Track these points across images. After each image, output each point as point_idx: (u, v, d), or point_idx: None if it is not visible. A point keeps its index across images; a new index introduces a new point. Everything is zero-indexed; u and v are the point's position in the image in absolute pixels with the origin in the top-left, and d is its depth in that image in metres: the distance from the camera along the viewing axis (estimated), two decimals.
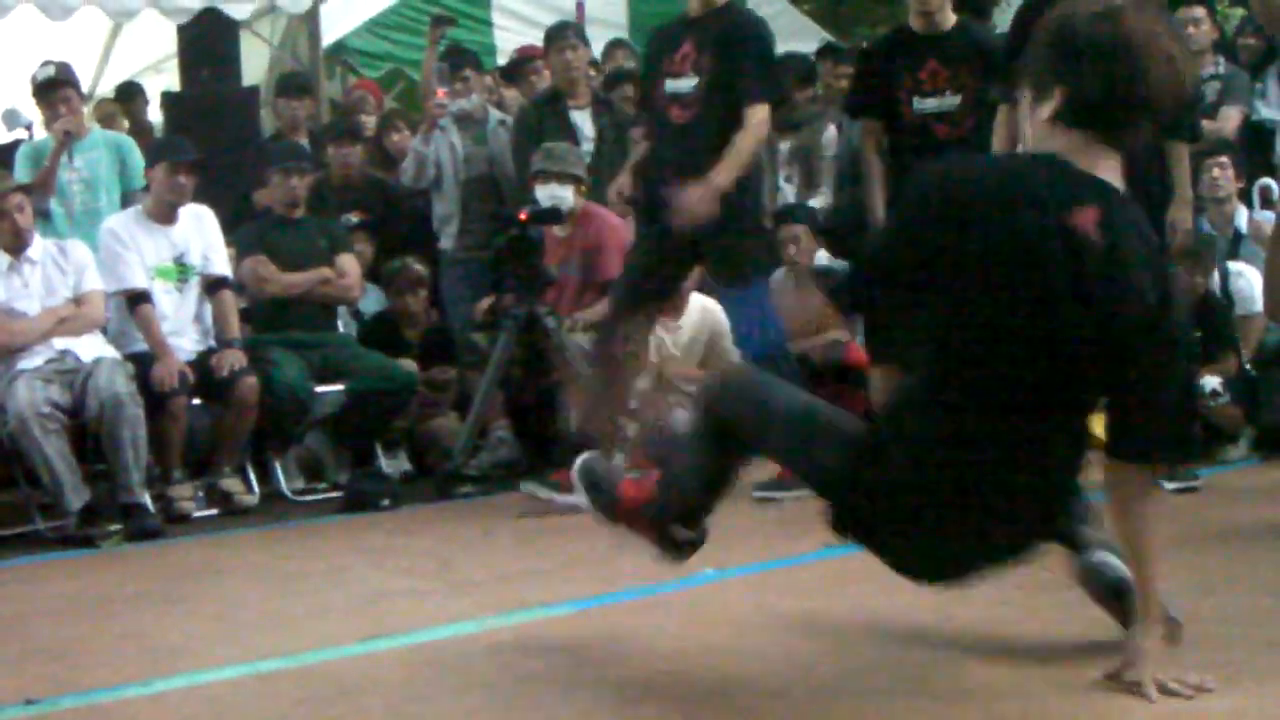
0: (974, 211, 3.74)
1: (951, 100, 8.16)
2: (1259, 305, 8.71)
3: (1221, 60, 10.74)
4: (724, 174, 7.63)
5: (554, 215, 8.83)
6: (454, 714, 4.14)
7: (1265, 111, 11.04)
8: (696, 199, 7.48)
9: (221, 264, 8.90)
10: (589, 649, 4.78)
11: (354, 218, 10.11)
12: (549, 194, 8.87)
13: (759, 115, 7.81)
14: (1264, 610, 4.88)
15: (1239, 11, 15.28)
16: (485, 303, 9.43)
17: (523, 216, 8.67)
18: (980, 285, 3.73)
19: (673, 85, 7.96)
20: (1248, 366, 8.75)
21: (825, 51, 12.86)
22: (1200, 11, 10.77)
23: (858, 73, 9.08)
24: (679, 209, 7.47)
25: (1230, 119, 10.31)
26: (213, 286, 8.82)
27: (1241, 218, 9.31)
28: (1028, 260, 3.68)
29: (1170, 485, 7.34)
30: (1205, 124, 10.12)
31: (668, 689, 4.30)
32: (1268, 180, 8.66)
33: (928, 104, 8.15)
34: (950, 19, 8.28)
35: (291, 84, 11.92)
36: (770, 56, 8.17)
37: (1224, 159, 9.61)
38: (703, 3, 7.98)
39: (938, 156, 7.74)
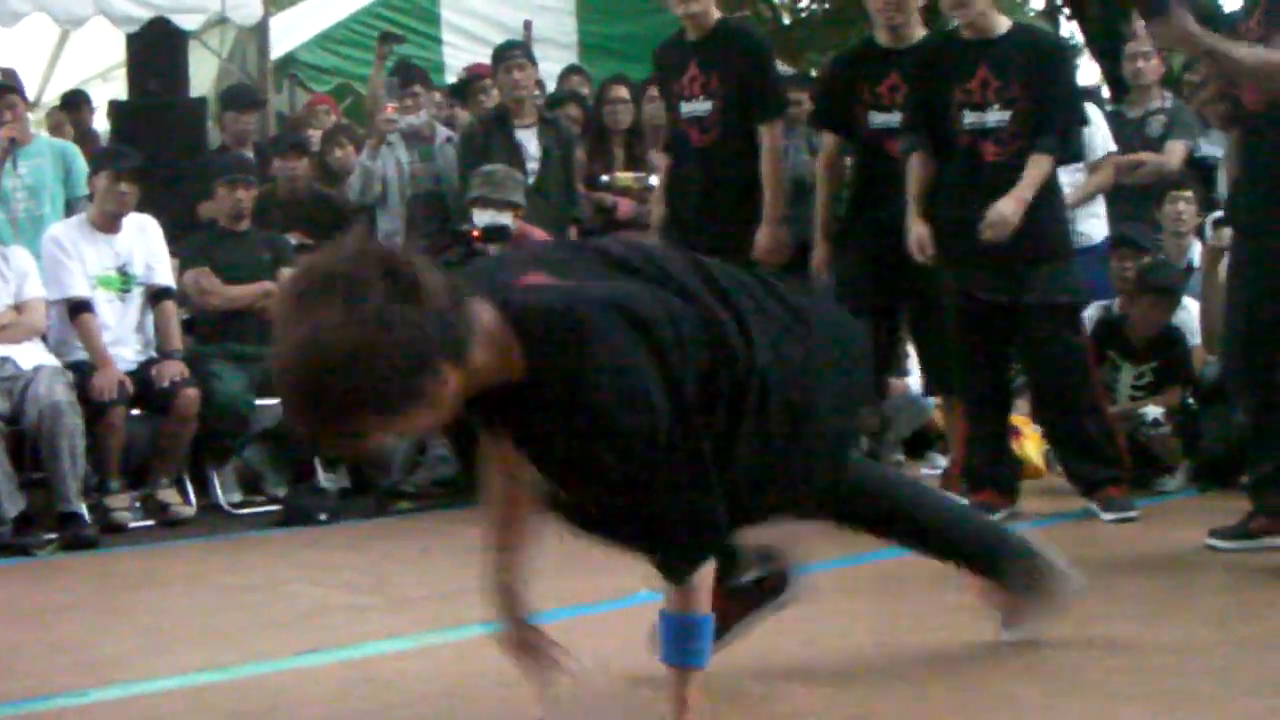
0: None
1: (697, 105, 8.05)
2: (1198, 338, 8.80)
3: (1169, 95, 10.80)
4: (773, 203, 8.16)
5: (504, 233, 8.84)
6: None
7: (1208, 147, 11.11)
8: (1010, 212, 7.26)
9: (164, 275, 8.86)
10: None
11: (296, 239, 10.05)
12: (488, 219, 8.86)
13: (774, 132, 8.14)
14: (1203, 640, 4.90)
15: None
16: None
17: (475, 233, 8.69)
18: None
19: (688, 108, 8.16)
20: (1189, 399, 8.84)
21: None
22: (1149, 46, 10.84)
23: (822, 85, 8.90)
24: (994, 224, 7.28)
25: (1175, 153, 10.36)
26: (155, 297, 8.78)
27: (1195, 251, 9.37)
28: None
29: (1108, 516, 7.39)
30: (1150, 157, 10.19)
31: (604, 708, 4.29)
32: (1219, 213, 8.71)
33: (887, 119, 7.90)
34: (918, 33, 8.03)
35: (240, 97, 11.89)
36: (772, 68, 8.48)
37: (1188, 194, 9.71)
38: (696, 27, 8.12)
39: (892, 172, 7.80)
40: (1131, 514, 7.38)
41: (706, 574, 3.57)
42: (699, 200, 8.25)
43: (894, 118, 7.83)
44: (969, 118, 7.35)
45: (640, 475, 3.36)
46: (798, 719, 4.12)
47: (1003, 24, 7.55)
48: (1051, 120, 7.34)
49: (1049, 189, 7.41)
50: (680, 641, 3.61)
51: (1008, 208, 7.16)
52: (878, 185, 7.95)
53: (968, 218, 7.27)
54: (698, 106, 8.23)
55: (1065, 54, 7.62)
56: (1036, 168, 7.29)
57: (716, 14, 8.35)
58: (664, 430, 3.30)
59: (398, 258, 3.09)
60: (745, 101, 8.14)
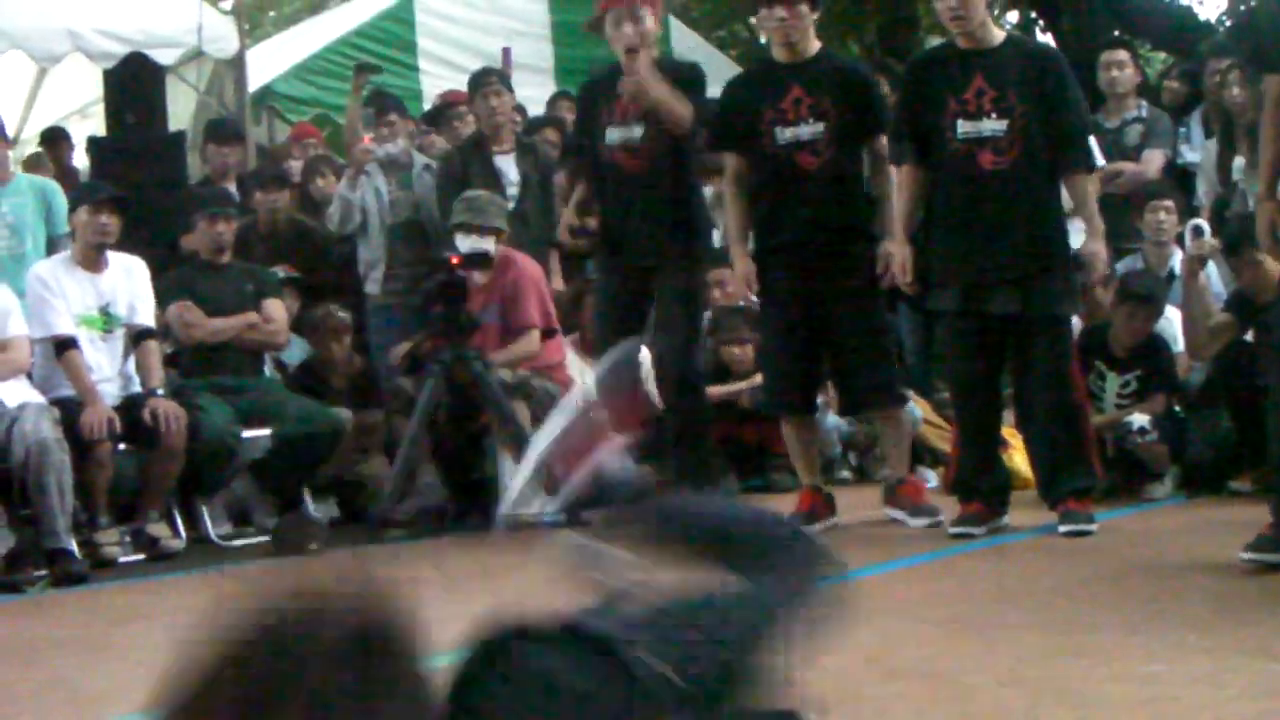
0: None
1: (815, 127, 7.91)
2: (1180, 345, 8.83)
3: (1144, 103, 10.84)
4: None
5: (484, 259, 8.86)
6: None
7: (1189, 155, 11.15)
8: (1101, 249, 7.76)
9: (147, 316, 8.83)
10: None
11: (282, 271, 10.06)
12: (470, 245, 8.89)
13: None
14: (1189, 646, 4.91)
15: (1160, 55, 15.48)
16: (403, 347, 9.43)
17: (455, 260, 8.71)
18: None
19: (614, 133, 8.43)
20: (1175, 406, 8.87)
21: None
22: (1124, 55, 10.89)
23: (720, 106, 8.62)
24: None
25: (1153, 161, 10.40)
26: (138, 337, 8.77)
27: (1176, 259, 9.40)
28: None
29: (1064, 528, 7.37)
30: (1128, 166, 10.24)
31: None
32: (1198, 220, 8.74)
33: (790, 133, 7.89)
34: (814, 46, 8.05)
35: (222, 131, 11.91)
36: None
37: (1169, 203, 9.75)
38: (628, 60, 8.28)
39: (800, 186, 7.79)
40: (1089, 528, 7.38)
41: None
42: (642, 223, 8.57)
43: (801, 130, 7.86)
44: (963, 127, 7.38)
45: None
46: None
47: (997, 35, 7.62)
48: (1068, 133, 7.44)
49: (1056, 199, 7.50)
50: None
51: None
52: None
53: (974, 233, 7.34)
54: (624, 131, 8.47)
55: (1065, 64, 7.63)
56: (1082, 186, 7.57)
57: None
58: None
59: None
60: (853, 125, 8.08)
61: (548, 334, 9.22)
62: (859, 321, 7.89)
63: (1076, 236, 8.37)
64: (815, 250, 7.82)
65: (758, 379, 9.40)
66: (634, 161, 8.44)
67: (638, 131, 8.40)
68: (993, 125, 7.35)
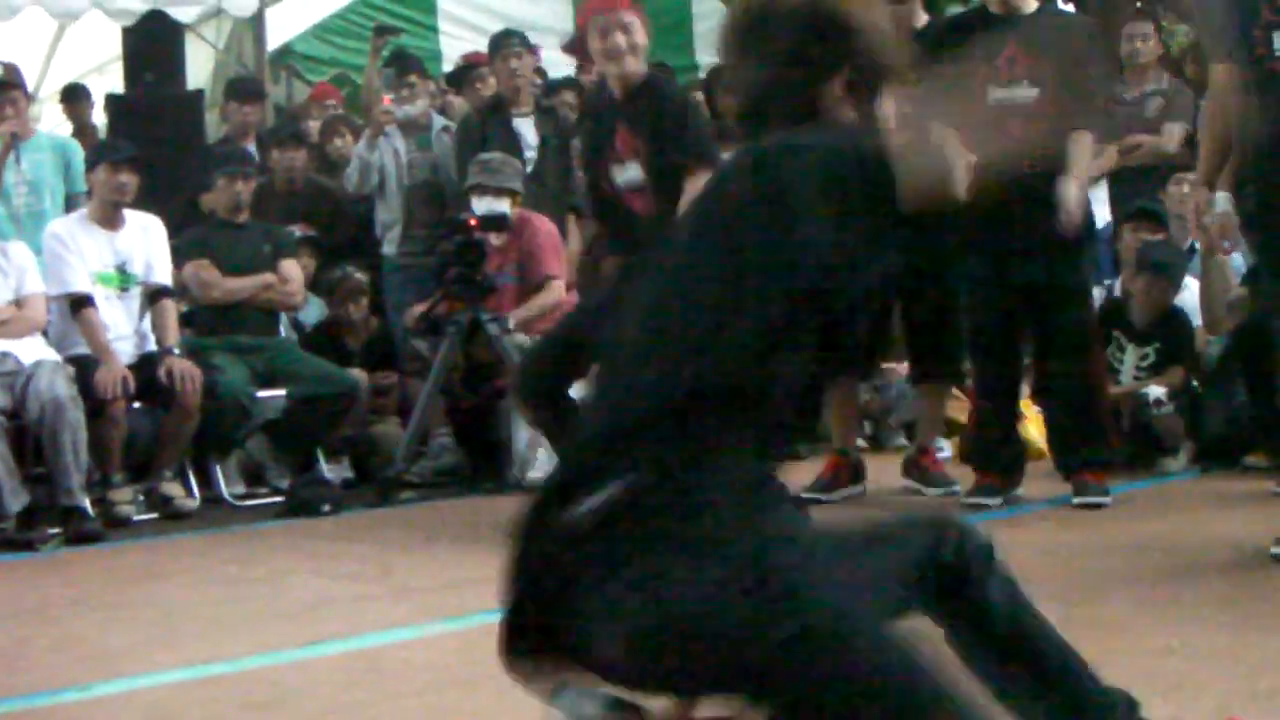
0: None
1: (635, 170, 7.76)
2: (1199, 319, 8.81)
3: (1165, 75, 10.80)
4: None
5: (502, 221, 8.85)
6: (393, 719, 4.14)
7: None
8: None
9: (164, 274, 8.83)
10: None
11: (299, 230, 10.05)
12: (486, 207, 8.86)
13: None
14: (1205, 620, 4.91)
15: (1183, 28, 15.38)
16: (418, 308, 9.42)
17: (473, 222, 8.70)
18: None
19: (617, 173, 7.90)
20: (1193, 381, 8.85)
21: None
22: (1147, 27, 10.85)
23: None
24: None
25: (1173, 135, 10.36)
26: (154, 296, 8.76)
27: None
28: None
29: (1078, 500, 7.37)
30: (1147, 139, 10.19)
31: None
32: (1219, 194, 8.72)
33: (624, 174, 7.79)
34: (641, 69, 7.80)
35: (242, 89, 11.89)
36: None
37: (1192, 176, 9.68)
38: (620, 82, 7.81)
39: (632, 231, 7.65)
40: (1104, 500, 7.36)
41: None
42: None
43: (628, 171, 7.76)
44: (995, 93, 7.26)
45: None
46: None
47: (1031, 2, 7.53)
48: (1082, 94, 7.37)
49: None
50: None
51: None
52: None
53: (1001, 200, 7.29)
54: (629, 172, 7.85)
55: (1097, 36, 7.57)
56: (1080, 144, 7.33)
57: (642, 70, 7.92)
58: None
59: None
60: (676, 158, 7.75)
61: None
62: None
63: (1100, 207, 8.34)
64: None
65: None
66: (642, 203, 7.88)
67: (636, 172, 7.85)
68: (1025, 93, 7.26)
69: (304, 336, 9.86)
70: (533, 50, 10.53)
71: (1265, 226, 7.01)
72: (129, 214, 8.72)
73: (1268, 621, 4.89)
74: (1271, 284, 6.82)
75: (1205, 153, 6.65)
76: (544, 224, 9.27)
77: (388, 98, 10.55)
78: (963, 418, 8.68)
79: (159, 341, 8.69)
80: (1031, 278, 7.32)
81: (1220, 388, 8.72)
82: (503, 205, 8.89)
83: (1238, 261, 9.03)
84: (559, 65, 12.65)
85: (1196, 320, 8.93)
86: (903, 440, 9.77)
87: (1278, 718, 3.86)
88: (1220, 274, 8.86)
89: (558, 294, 9.06)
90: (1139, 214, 9.18)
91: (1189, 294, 8.99)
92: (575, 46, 8.47)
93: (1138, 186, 9.87)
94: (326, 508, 8.36)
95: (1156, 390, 8.61)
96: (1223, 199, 6.50)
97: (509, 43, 10.28)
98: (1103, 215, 9.60)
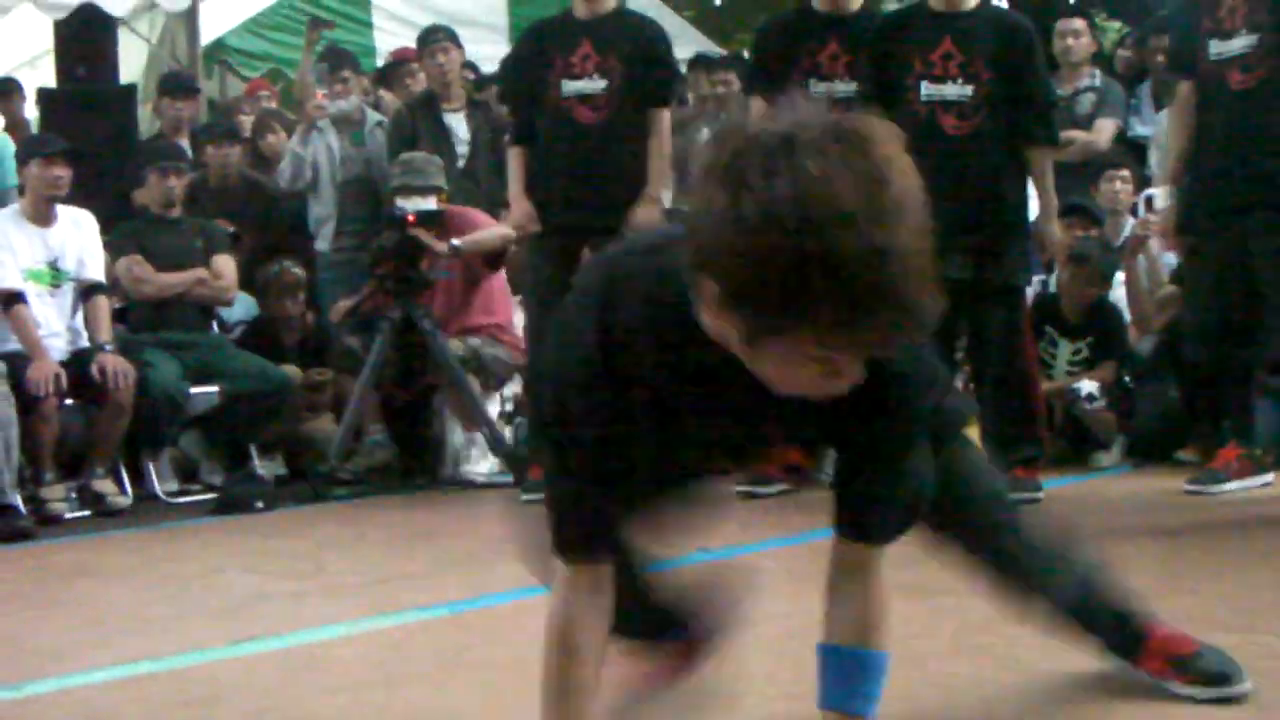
0: None
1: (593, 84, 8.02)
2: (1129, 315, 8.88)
3: (1097, 72, 10.86)
4: (655, 181, 8.09)
5: (436, 217, 8.84)
6: (327, 715, 4.13)
7: (1140, 127, 11.19)
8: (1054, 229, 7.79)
9: (96, 270, 8.80)
10: (463, 651, 4.77)
11: (227, 227, 9.99)
12: (413, 207, 8.83)
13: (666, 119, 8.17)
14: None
15: (1115, 25, 15.48)
16: (345, 303, 9.40)
17: (410, 218, 8.69)
18: None
19: (573, 86, 8.03)
20: (1125, 376, 8.91)
21: (697, 62, 12.82)
22: (1079, 24, 10.91)
23: (755, 53, 8.64)
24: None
25: (1104, 131, 10.44)
26: (87, 292, 8.72)
27: (1129, 229, 9.43)
28: None
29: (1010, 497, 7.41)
30: (1079, 135, 10.25)
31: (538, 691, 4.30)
32: (1151, 191, 8.80)
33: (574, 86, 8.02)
34: (856, 2, 8.04)
35: (176, 83, 11.85)
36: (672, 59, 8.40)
37: (1124, 172, 9.81)
38: (588, 7, 8.02)
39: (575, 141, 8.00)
40: (1036, 496, 7.37)
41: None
42: (591, 179, 8.05)
43: (824, 87, 7.78)
44: (926, 89, 7.32)
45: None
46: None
47: (971, 0, 7.54)
48: (1031, 104, 7.42)
49: (1017, 168, 7.47)
50: (848, 683, 3.07)
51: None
52: None
53: (931, 197, 7.30)
54: (586, 85, 8.04)
55: (1035, 37, 7.59)
56: (1042, 161, 7.55)
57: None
58: None
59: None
60: (644, 88, 8.10)
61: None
62: None
63: (1032, 202, 8.37)
64: None
65: None
66: (593, 114, 8.03)
67: (600, 84, 8.00)
68: (957, 90, 7.31)
69: (225, 331, 9.79)
70: (460, 45, 10.51)
71: (1183, 230, 7.21)
72: (61, 209, 8.69)
73: (1197, 614, 4.89)
74: (1189, 298, 7.03)
75: (1171, 161, 7.12)
76: (479, 215, 9.24)
77: (320, 93, 10.54)
78: None
79: (92, 338, 8.66)
80: (960, 274, 7.34)
81: (1152, 383, 8.79)
82: (429, 203, 8.87)
83: (1169, 258, 9.10)
84: (492, 60, 12.65)
85: (1129, 315, 9.00)
86: None
87: (1197, 711, 3.88)
88: (1150, 271, 8.95)
89: (502, 228, 8.98)
90: (1072, 210, 9.24)
91: (1122, 290, 9.05)
92: None
93: (1070, 183, 9.92)
94: (260, 504, 8.35)
95: (1089, 385, 8.67)
96: (1163, 194, 6.61)
97: (436, 38, 10.30)
98: (1034, 211, 9.64)
